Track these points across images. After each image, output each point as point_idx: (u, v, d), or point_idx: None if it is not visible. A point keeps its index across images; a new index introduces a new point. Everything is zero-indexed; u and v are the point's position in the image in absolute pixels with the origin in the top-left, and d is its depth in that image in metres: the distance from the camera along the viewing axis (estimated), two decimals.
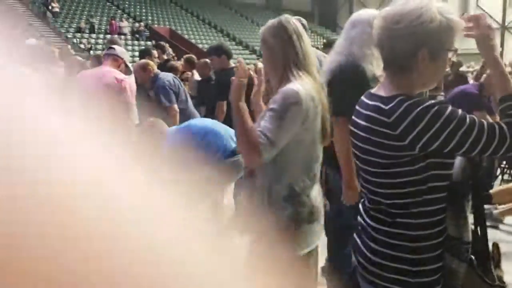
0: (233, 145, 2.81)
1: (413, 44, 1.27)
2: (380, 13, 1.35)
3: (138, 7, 25.31)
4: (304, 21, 4.01)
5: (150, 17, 24.28)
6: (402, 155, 1.28)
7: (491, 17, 26.05)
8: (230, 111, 4.21)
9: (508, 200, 4.19)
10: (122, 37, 20.62)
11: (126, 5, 24.97)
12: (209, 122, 3.14)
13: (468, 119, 1.23)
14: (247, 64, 11.76)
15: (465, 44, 2.31)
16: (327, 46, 3.95)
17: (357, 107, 1.45)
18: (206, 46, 22.07)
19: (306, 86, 1.64)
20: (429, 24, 1.25)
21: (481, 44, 1.34)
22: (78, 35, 19.53)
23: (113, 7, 24.33)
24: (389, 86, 1.34)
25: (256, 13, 31.45)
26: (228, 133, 2.93)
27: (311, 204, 1.72)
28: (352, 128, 1.45)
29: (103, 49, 14.92)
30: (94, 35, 19.96)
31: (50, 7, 20.55)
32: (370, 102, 1.36)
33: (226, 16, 29.19)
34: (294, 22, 1.76)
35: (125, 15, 23.39)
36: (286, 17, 1.81)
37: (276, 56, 1.70)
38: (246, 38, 25.49)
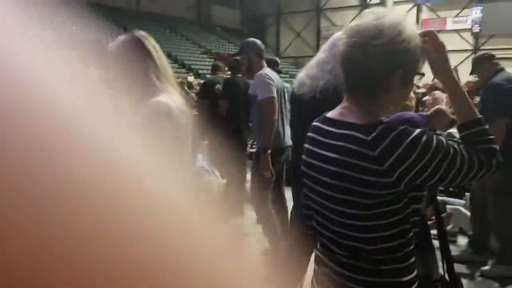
0: None
1: (392, 64, 1.12)
2: (351, 27, 1.18)
3: (60, 16, 24.47)
4: (276, 59, 4.46)
5: (74, 27, 23.58)
6: (387, 193, 1.11)
7: None
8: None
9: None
10: None
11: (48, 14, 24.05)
12: None
13: (451, 149, 1.11)
14: (177, 78, 12.00)
15: None
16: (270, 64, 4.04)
17: (312, 135, 1.27)
18: None
19: (175, 99, 1.56)
20: (408, 43, 1.12)
21: (437, 63, 1.22)
22: None
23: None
24: (356, 111, 1.17)
25: (187, 28, 31.65)
26: None
27: None
28: (309, 159, 1.27)
29: None
30: None
31: None
32: (337, 130, 1.17)
33: (155, 29, 29.05)
34: (144, 34, 1.69)
35: (46, 26, 22.52)
36: (140, 32, 1.75)
37: (135, 69, 1.58)
38: (175, 52, 25.59)
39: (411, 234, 1.17)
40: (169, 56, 23.82)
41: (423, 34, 1.19)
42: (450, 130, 6.82)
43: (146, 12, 30.79)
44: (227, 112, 4.60)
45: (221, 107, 4.61)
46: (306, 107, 2.15)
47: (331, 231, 1.22)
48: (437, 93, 9.32)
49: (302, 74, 2.34)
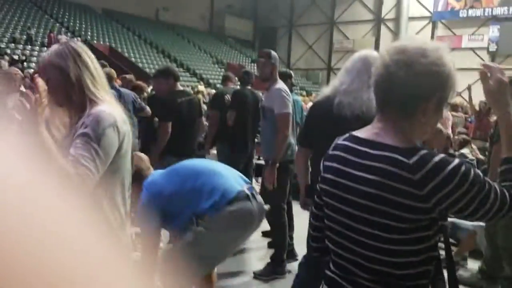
0: (238, 187, 2.35)
1: (433, 85, 1.13)
2: (395, 46, 1.18)
3: (78, 22, 24.77)
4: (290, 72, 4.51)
5: (89, 33, 23.82)
6: (422, 219, 1.11)
7: (423, 6, 28.09)
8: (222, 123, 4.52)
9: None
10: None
11: (65, 19, 24.36)
12: (203, 162, 2.69)
13: (486, 184, 1.11)
14: (187, 86, 11.99)
15: None
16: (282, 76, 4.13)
17: (340, 153, 1.25)
18: (146, 66, 22.02)
19: (115, 108, 1.53)
20: (449, 69, 1.14)
21: (496, 97, 1.21)
22: (12, 45, 18.75)
23: (52, 20, 23.64)
24: (392, 133, 1.17)
25: (199, 38, 31.86)
26: (232, 174, 2.49)
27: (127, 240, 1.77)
28: (337, 178, 1.23)
29: (37, 61, 14.48)
30: (29, 47, 19.25)
31: None
32: (373, 152, 1.16)
33: (169, 38, 29.30)
34: (78, 43, 1.66)
35: (63, 29, 22.80)
36: (75, 41, 1.70)
37: (71, 79, 1.53)
38: (187, 61, 25.71)
39: (435, 261, 1.18)
40: (181, 65, 23.96)
41: (486, 67, 1.22)
42: (462, 151, 6.68)
43: (160, 21, 31.07)
44: (235, 124, 4.58)
45: (229, 118, 4.56)
46: (348, 124, 2.14)
47: (356, 254, 1.19)
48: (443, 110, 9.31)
49: (330, 91, 2.44)
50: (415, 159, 1.09)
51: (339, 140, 1.29)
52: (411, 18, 28.61)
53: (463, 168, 1.10)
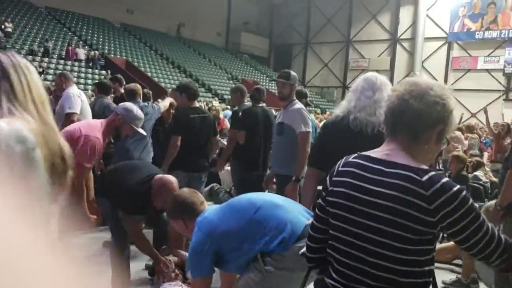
0: (305, 221, 2.14)
1: (439, 114, 1.30)
2: (408, 80, 1.39)
3: (95, 35, 25.16)
4: (305, 91, 4.53)
5: (106, 47, 24.16)
6: (427, 231, 1.26)
7: (439, 27, 27.95)
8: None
9: (446, 258, 4.49)
10: (76, 63, 20.35)
11: (83, 33, 24.77)
12: (260, 195, 2.41)
13: (481, 216, 1.27)
14: (202, 102, 11.84)
15: None
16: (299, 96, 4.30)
17: (355, 170, 1.37)
18: (162, 80, 22.19)
19: (15, 124, 1.35)
20: (451, 105, 1.32)
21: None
22: (30, 57, 19.05)
23: (70, 33, 24.06)
24: (402, 155, 1.33)
25: (215, 54, 32.12)
26: (294, 206, 2.28)
27: None
28: (352, 192, 1.36)
29: (54, 74, 14.66)
30: (46, 59, 19.55)
31: (2, 27, 20.02)
32: (388, 169, 1.31)
33: (184, 53, 29.59)
34: (15, 55, 1.55)
35: (81, 42, 23.16)
36: (11, 52, 1.62)
37: None
38: (203, 77, 25.87)
39: (431, 276, 1.33)
40: (196, 80, 24.08)
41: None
42: (476, 173, 6.53)
43: (177, 36, 31.44)
44: (246, 142, 4.52)
45: (240, 137, 4.50)
46: (369, 142, 2.19)
47: (364, 262, 1.31)
48: (457, 133, 9.14)
49: (341, 110, 2.46)
50: (426, 177, 1.25)
51: (349, 158, 1.43)
52: (427, 39, 28.48)
53: (464, 192, 1.26)
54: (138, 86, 4.86)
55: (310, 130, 3.67)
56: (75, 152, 2.72)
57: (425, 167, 1.31)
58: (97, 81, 16.96)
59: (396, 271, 1.27)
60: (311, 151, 2.70)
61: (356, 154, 1.42)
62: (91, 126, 3.04)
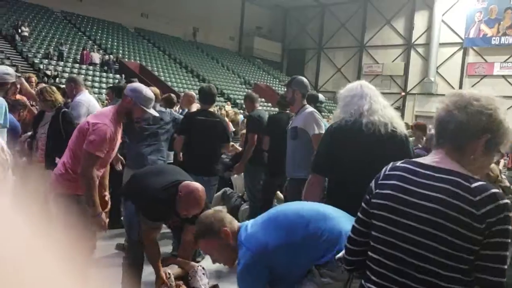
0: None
1: (482, 126, 1.29)
2: (454, 92, 1.41)
3: (110, 39, 25.39)
4: (322, 97, 4.51)
5: (121, 51, 24.36)
6: (474, 238, 1.24)
7: (455, 33, 27.62)
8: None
9: None
10: (91, 67, 20.53)
11: (98, 37, 25.01)
12: (305, 206, 2.23)
13: (509, 246, 1.27)
14: (215, 106, 11.65)
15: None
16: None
17: (404, 174, 1.38)
18: (175, 84, 22.29)
19: None
20: (499, 116, 1.31)
21: None
22: (45, 61, 19.29)
23: (85, 37, 24.31)
24: (450, 162, 1.34)
25: (228, 58, 32.18)
26: (343, 215, 2.13)
27: None
28: (400, 195, 1.37)
29: (69, 77, 14.73)
30: (61, 63, 19.76)
31: (19, 31, 20.30)
32: (437, 175, 1.32)
33: (197, 57, 29.70)
34: None
35: (96, 47, 23.38)
36: None
37: None
38: (215, 81, 25.92)
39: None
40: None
41: None
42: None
43: (190, 41, 31.59)
44: (270, 148, 4.62)
45: (264, 143, 4.62)
46: (382, 144, 2.36)
47: (409, 265, 1.31)
48: None
49: (348, 116, 2.48)
50: (475, 184, 1.26)
51: (397, 163, 1.44)
52: (442, 44, 28.17)
53: (510, 208, 1.25)
54: (157, 90, 4.81)
55: (324, 132, 3.60)
56: (86, 142, 2.71)
57: (476, 177, 1.32)
58: (111, 85, 17.08)
59: (441, 276, 1.27)
60: (315, 157, 2.60)
61: (403, 161, 1.44)
62: (100, 114, 2.93)
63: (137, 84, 3.13)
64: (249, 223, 2.13)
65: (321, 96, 4.71)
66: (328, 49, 34.39)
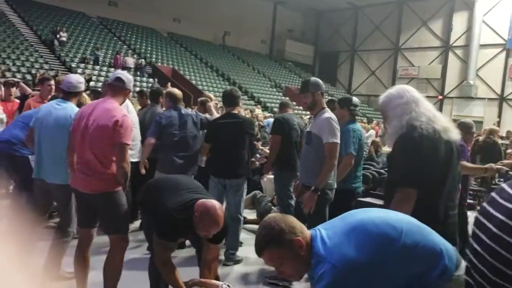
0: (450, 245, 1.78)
1: None
2: None
3: (144, 44, 25.80)
4: (356, 100, 4.40)
5: (154, 55, 24.70)
6: None
7: (497, 34, 26.58)
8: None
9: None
10: (125, 71, 20.87)
11: (132, 42, 25.46)
12: (397, 215, 1.86)
13: None
14: (245, 109, 11.69)
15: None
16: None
17: (494, 194, 1.24)
18: (206, 88, 22.37)
19: None
20: None
21: None
22: (82, 65, 19.74)
23: (120, 42, 24.80)
24: None
25: (259, 61, 32.15)
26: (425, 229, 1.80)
27: None
28: (480, 216, 1.22)
29: (105, 81, 15.03)
30: (97, 67, 20.18)
31: (58, 36, 20.89)
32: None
33: (228, 61, 29.79)
34: None
35: (130, 51, 23.79)
36: None
37: None
38: (246, 84, 25.89)
39: None
40: (239, 88, 24.12)
41: None
42: None
43: (221, 44, 31.75)
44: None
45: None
46: (454, 152, 2.28)
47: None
48: None
49: (413, 123, 2.26)
50: None
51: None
52: (483, 46, 27.12)
53: None
54: (180, 92, 4.74)
55: (338, 141, 3.52)
56: (118, 135, 2.89)
57: None
58: (144, 88, 17.29)
59: None
60: (409, 170, 2.21)
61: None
62: (115, 109, 3.01)
63: (123, 76, 3.21)
64: (323, 232, 1.77)
65: (355, 99, 4.43)
66: (362, 52, 33.80)
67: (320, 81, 3.76)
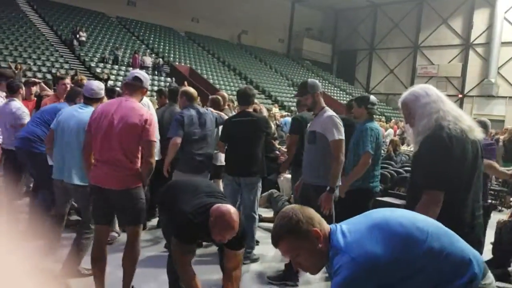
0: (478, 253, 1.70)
1: None
2: None
3: (162, 44, 25.99)
4: (373, 98, 4.37)
5: (172, 55, 24.87)
6: None
7: None
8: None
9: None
10: (143, 71, 21.06)
11: (151, 41, 25.68)
12: (425, 219, 1.74)
13: None
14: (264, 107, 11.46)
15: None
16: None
17: None
18: (223, 87, 22.42)
19: None
20: None
21: None
22: (101, 64, 20.00)
23: (138, 42, 25.03)
24: None
25: (276, 60, 32.08)
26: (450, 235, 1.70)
27: None
28: None
29: (123, 81, 15.23)
30: (116, 66, 20.41)
31: (77, 36, 21.20)
32: None
33: (246, 60, 29.81)
34: None
35: (148, 51, 24.00)
36: None
37: None
38: (263, 83, 25.87)
39: None
40: (256, 87, 24.11)
41: None
42: None
43: (238, 43, 31.78)
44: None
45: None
46: (479, 152, 2.25)
47: None
48: None
49: (441, 123, 2.20)
50: None
51: None
52: (505, 43, 26.55)
53: None
54: (195, 91, 4.76)
55: (343, 137, 3.57)
56: (147, 133, 3.00)
57: None
58: (162, 87, 17.41)
59: None
60: (436, 170, 2.15)
61: None
62: (139, 108, 3.11)
63: (138, 73, 3.30)
64: (344, 227, 1.71)
65: (373, 98, 4.39)
66: (381, 50, 33.45)
67: (317, 82, 3.81)
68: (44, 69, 17.28)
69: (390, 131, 15.82)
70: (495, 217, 4.80)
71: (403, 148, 10.23)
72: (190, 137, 4.34)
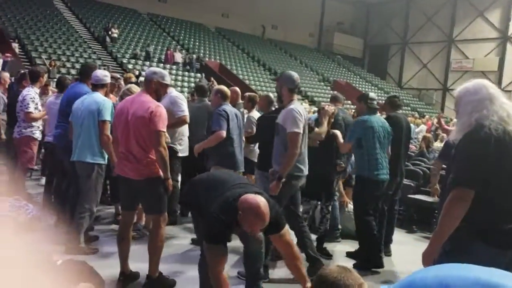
0: None
1: None
2: None
3: (192, 40, 26.20)
4: (373, 94, 4.38)
5: (202, 51, 25.03)
6: None
7: None
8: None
9: None
10: (174, 66, 21.31)
11: (181, 37, 25.93)
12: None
13: None
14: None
15: None
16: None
17: None
18: (253, 82, 22.44)
19: None
20: None
21: None
22: (133, 61, 20.33)
23: (169, 38, 25.32)
24: None
25: (306, 55, 31.83)
26: None
27: None
28: None
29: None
30: (148, 63, 20.71)
31: (109, 33, 21.62)
32: None
33: (275, 55, 29.70)
34: None
35: (179, 47, 24.24)
36: None
37: None
38: None
39: None
40: None
41: None
42: None
43: (268, 39, 31.69)
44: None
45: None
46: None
47: None
48: None
49: (483, 122, 2.11)
50: None
51: None
52: None
53: None
54: (229, 90, 4.73)
55: (300, 131, 3.64)
56: (153, 123, 3.16)
57: None
58: (192, 83, 17.51)
59: None
60: (469, 168, 2.10)
61: None
62: (149, 101, 3.26)
63: (153, 68, 3.56)
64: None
65: (372, 94, 4.46)
66: (413, 44, 32.69)
67: (294, 77, 3.86)
68: (77, 66, 17.71)
69: (423, 127, 15.43)
70: None
71: (436, 144, 9.96)
72: (231, 133, 4.34)
